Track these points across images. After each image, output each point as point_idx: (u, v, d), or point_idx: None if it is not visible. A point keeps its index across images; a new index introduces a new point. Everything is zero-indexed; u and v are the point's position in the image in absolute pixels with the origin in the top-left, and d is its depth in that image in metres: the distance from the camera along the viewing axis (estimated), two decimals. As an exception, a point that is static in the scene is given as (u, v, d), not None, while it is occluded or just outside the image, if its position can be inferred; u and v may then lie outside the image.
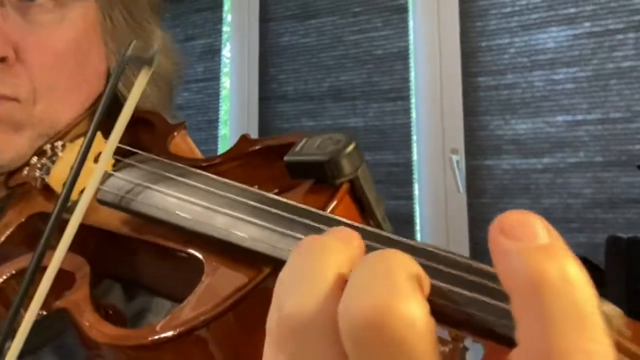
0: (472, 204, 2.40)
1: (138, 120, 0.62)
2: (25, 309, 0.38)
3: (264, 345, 0.27)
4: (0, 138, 0.59)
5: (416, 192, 2.53)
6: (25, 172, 0.59)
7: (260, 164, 0.49)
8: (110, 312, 0.43)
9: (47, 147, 0.59)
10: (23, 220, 0.54)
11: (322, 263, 0.25)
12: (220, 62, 3.14)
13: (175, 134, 0.58)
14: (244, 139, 0.51)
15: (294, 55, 2.89)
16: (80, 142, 0.57)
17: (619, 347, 0.24)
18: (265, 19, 2.99)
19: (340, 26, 2.76)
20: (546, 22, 2.32)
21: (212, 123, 3.11)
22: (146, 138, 0.58)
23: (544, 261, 0.21)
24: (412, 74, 2.59)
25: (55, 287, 0.42)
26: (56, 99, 0.62)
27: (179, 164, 0.47)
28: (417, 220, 2.46)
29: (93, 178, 0.41)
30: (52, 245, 0.40)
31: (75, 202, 0.40)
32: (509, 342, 0.22)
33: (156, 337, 0.34)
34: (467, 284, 0.25)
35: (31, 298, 0.38)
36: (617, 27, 2.21)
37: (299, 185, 0.40)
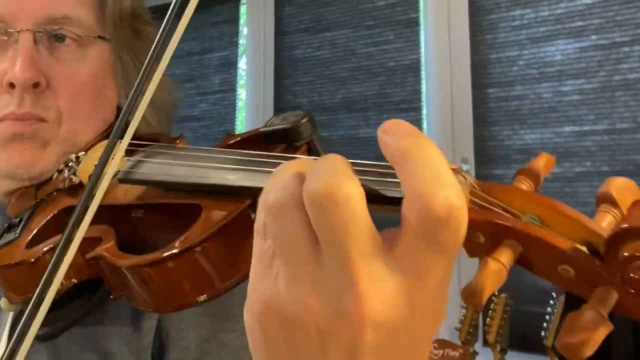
0: (482, 212, 2.42)
1: (148, 139, 0.72)
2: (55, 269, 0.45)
3: (249, 252, 0.36)
4: (31, 153, 0.68)
5: (427, 200, 2.55)
6: (55, 177, 0.68)
7: (245, 146, 0.57)
8: None
9: (72, 156, 0.67)
10: (55, 212, 0.62)
11: (287, 169, 0.34)
12: (237, 74, 3.18)
13: (177, 142, 0.66)
14: (229, 135, 0.60)
15: (308, 68, 2.92)
16: (100, 143, 0.69)
17: (472, 194, 0.34)
18: (280, 32, 3.02)
19: (353, 39, 2.80)
20: (554, 35, 2.33)
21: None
22: None
23: (407, 141, 0.32)
24: (424, 86, 2.61)
25: (86, 250, 0.52)
26: (78, 122, 0.71)
27: (179, 148, 0.59)
28: (429, 228, 2.49)
29: (110, 167, 0.50)
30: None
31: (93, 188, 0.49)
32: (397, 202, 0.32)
33: (171, 251, 0.43)
34: (372, 174, 0.36)
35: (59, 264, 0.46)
36: (622, 40, 2.21)
37: (273, 150, 0.51)
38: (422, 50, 2.63)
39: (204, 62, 3.26)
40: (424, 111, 2.61)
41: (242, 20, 3.20)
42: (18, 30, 0.68)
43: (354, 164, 0.35)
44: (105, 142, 0.63)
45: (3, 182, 0.72)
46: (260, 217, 0.35)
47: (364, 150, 2.71)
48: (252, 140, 0.56)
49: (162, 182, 0.52)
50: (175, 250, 0.43)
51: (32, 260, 0.56)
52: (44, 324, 0.57)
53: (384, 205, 0.34)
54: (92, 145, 0.70)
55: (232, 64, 3.19)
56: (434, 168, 0.30)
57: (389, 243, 0.32)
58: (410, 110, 2.63)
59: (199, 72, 3.25)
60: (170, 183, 0.51)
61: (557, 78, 2.32)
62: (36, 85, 0.67)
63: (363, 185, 0.32)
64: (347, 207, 0.30)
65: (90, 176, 0.54)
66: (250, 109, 3.10)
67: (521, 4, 2.40)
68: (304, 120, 0.51)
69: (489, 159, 2.42)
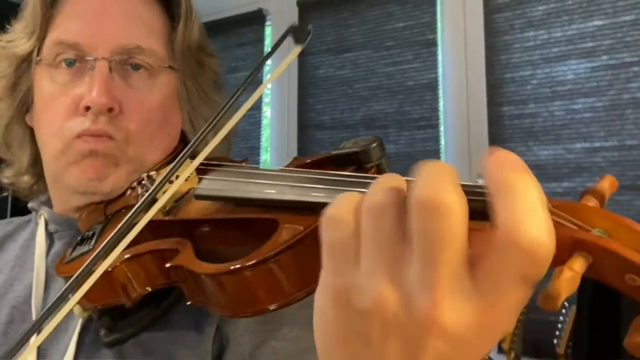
0: (497, 226, 2.43)
1: (210, 164, 0.74)
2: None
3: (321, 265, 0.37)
4: (104, 169, 0.71)
5: (444, 214, 2.57)
6: (128, 193, 0.71)
7: (314, 168, 0.58)
8: None
9: (144, 175, 0.71)
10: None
11: (388, 180, 0.35)
12: (262, 92, 3.22)
13: (243, 164, 0.68)
14: (296, 158, 0.62)
15: (331, 87, 2.95)
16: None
17: (552, 212, 0.34)
18: (303, 52, 3.00)
19: (374, 59, 2.83)
20: (566, 55, 2.35)
21: (254, 149, 3.18)
22: None
23: (513, 174, 0.31)
24: (441, 104, 2.64)
25: (164, 260, 0.54)
26: (145, 144, 0.73)
27: (251, 167, 0.61)
28: (446, 240, 2.51)
29: (171, 189, 0.53)
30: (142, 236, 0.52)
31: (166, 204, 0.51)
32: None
33: (252, 260, 0.44)
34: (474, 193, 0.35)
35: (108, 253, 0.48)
36: (632, 60, 2.23)
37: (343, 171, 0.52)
38: (440, 69, 2.66)
39: (231, 82, 3.17)
40: (442, 128, 2.63)
41: (267, 41, 3.24)
42: (95, 58, 0.70)
43: None
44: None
45: (74, 198, 0.74)
46: (350, 217, 0.35)
47: None
48: (322, 162, 0.57)
49: (240, 198, 0.54)
50: (254, 261, 0.44)
51: (109, 269, 0.56)
52: (111, 330, 0.60)
53: (478, 221, 0.34)
54: (162, 167, 0.73)
55: (258, 83, 3.13)
56: (531, 204, 0.30)
57: (473, 260, 0.32)
58: (428, 127, 2.64)
59: (226, 91, 3.24)
60: (247, 199, 0.53)
61: (569, 96, 2.33)
62: (110, 110, 0.69)
63: (468, 198, 0.32)
64: (450, 219, 0.31)
65: (148, 193, 0.57)
66: (275, 126, 3.13)
67: (535, 26, 2.43)
68: (374, 145, 0.52)
69: None
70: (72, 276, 0.60)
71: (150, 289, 0.57)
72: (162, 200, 0.51)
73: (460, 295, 0.31)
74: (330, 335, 0.36)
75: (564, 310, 2.00)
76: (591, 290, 1.91)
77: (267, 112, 3.21)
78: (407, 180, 0.37)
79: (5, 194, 0.87)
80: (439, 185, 0.32)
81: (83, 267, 0.47)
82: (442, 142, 2.62)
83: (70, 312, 0.64)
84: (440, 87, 2.66)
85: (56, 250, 0.77)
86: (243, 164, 0.68)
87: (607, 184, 0.39)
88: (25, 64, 0.76)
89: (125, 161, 0.72)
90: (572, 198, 2.22)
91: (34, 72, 0.76)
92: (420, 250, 0.32)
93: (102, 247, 0.48)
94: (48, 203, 0.82)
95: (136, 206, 0.50)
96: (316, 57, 3.04)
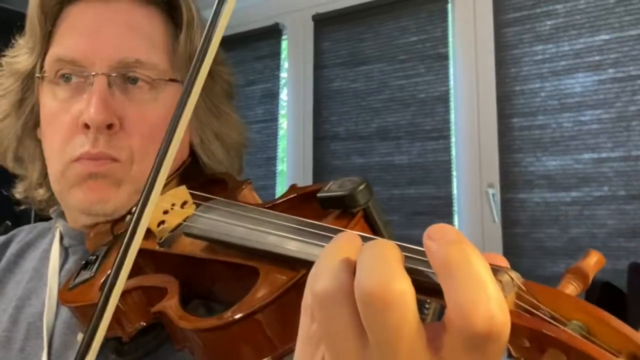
0: (507, 234, 2.42)
1: (214, 179, 0.73)
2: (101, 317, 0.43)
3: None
4: (105, 191, 0.68)
5: (456, 222, 2.57)
6: (127, 219, 0.67)
7: (303, 203, 0.58)
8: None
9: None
10: None
11: (336, 254, 0.33)
12: (278, 104, 3.24)
13: (243, 187, 0.67)
14: (293, 187, 0.60)
15: (345, 99, 2.99)
16: (170, 192, 0.63)
17: (518, 297, 0.32)
18: (319, 66, 3.10)
19: (387, 72, 2.87)
20: (574, 68, 2.38)
21: (271, 160, 3.21)
22: (221, 193, 0.64)
23: (451, 250, 0.30)
24: (452, 116, 2.67)
25: (152, 298, 0.53)
26: (149, 161, 0.65)
27: (241, 205, 0.58)
28: (458, 248, 2.53)
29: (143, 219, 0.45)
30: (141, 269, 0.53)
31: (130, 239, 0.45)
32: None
33: (228, 319, 0.43)
34: (420, 264, 0.34)
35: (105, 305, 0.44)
36: (638, 73, 2.25)
37: (329, 215, 0.51)
38: (451, 82, 2.69)
39: (248, 94, 3.32)
40: (453, 139, 2.65)
41: (284, 55, 3.27)
42: (93, 74, 0.67)
43: (404, 250, 0.34)
44: (176, 190, 0.64)
45: (81, 217, 0.72)
46: (308, 299, 0.34)
47: (396, 176, 2.75)
48: (310, 199, 0.55)
49: (222, 242, 0.52)
50: (235, 317, 0.43)
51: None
52: (119, 354, 0.59)
53: (432, 297, 0.33)
54: (166, 185, 0.68)
55: (274, 96, 3.25)
56: (476, 281, 0.29)
57: (433, 341, 0.31)
58: (440, 138, 2.67)
59: (244, 103, 3.30)
60: (229, 244, 0.51)
61: (577, 108, 2.36)
62: (110, 126, 0.66)
63: (414, 279, 0.31)
64: (399, 309, 0.29)
65: (160, 225, 0.58)
66: (290, 137, 3.16)
67: (543, 40, 2.46)
68: (360, 188, 0.49)
69: (513, 184, 2.44)
70: (74, 306, 0.60)
71: (144, 324, 0.56)
72: (142, 230, 0.46)
73: None
74: None
75: None
76: (598, 295, 1.95)
77: (283, 123, 3.23)
78: (365, 238, 0.35)
79: (25, 206, 0.84)
80: (382, 272, 0.30)
81: (91, 324, 0.43)
82: (454, 152, 2.64)
83: (76, 341, 0.65)
84: (452, 99, 2.69)
85: (69, 267, 0.76)
86: (243, 187, 0.67)
87: (592, 261, 0.36)
88: (29, 79, 0.74)
89: (127, 181, 0.69)
90: (580, 207, 2.23)
91: (38, 88, 0.74)
92: (376, 343, 0.31)
93: (102, 296, 0.44)
94: (64, 214, 0.80)
95: (122, 248, 0.45)
96: (331, 70, 3.07)
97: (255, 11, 3.24)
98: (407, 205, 2.72)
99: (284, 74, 3.27)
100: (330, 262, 0.33)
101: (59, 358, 0.68)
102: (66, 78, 0.70)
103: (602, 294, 1.86)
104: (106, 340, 0.59)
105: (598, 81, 2.33)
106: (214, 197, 0.61)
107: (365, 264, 0.31)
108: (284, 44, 3.30)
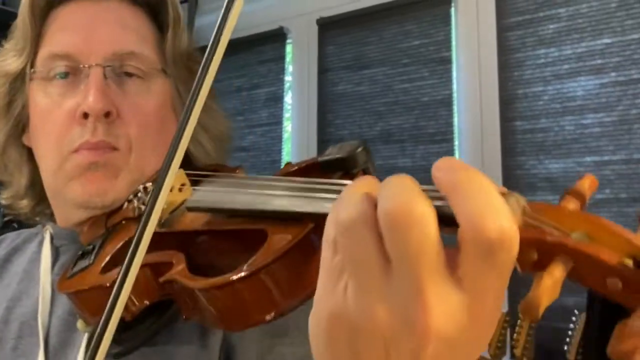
0: (510, 236, 2.43)
1: (209, 170, 0.70)
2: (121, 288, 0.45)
3: (314, 272, 0.37)
4: (105, 182, 0.69)
5: (459, 225, 2.59)
6: (125, 206, 0.68)
7: (302, 174, 0.57)
8: None
9: (140, 187, 0.68)
10: (126, 239, 0.62)
11: (357, 187, 0.35)
12: (283, 108, 3.25)
13: (237, 171, 0.67)
14: (288, 164, 0.60)
15: (349, 102, 3.00)
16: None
17: (524, 214, 0.34)
18: (323, 69, 3.11)
19: (391, 76, 2.87)
20: (576, 72, 2.38)
21: (275, 163, 3.21)
22: None
23: (458, 174, 0.32)
24: (456, 119, 2.67)
25: (159, 273, 0.53)
26: (146, 150, 0.71)
27: (242, 177, 0.59)
28: (461, 251, 2.53)
29: (160, 198, 0.47)
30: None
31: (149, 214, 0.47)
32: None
33: (241, 274, 0.43)
34: (434, 197, 0.34)
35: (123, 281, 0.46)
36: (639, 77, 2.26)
37: (331, 178, 0.50)
38: (454, 86, 2.70)
39: (253, 97, 3.34)
40: (456, 142, 2.66)
41: (288, 58, 3.29)
42: (88, 65, 0.69)
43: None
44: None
45: (76, 213, 0.72)
46: (331, 233, 0.35)
47: None
48: (310, 168, 0.56)
49: (228, 210, 0.53)
50: (244, 273, 0.43)
51: (108, 284, 0.57)
52: (117, 342, 0.57)
53: (446, 227, 0.34)
54: (157, 179, 0.71)
55: (279, 99, 3.26)
56: (483, 195, 0.30)
57: (451, 262, 0.32)
58: (443, 141, 2.68)
59: (248, 107, 3.33)
60: (235, 210, 0.52)
61: (579, 112, 2.36)
62: (108, 114, 0.67)
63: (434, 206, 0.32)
64: (421, 227, 0.30)
65: (146, 204, 0.56)
66: (295, 140, 3.17)
67: (546, 44, 2.47)
68: (359, 150, 0.50)
69: (516, 187, 2.43)
70: (72, 292, 0.60)
71: (148, 303, 0.56)
72: (156, 216, 0.47)
73: (447, 298, 0.31)
74: (326, 357, 0.36)
75: (574, 318, 2.03)
76: (601, 297, 1.95)
77: (287, 126, 3.25)
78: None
79: (9, 217, 0.83)
80: (404, 195, 0.31)
81: (109, 303, 0.45)
82: (457, 155, 2.65)
83: (76, 328, 0.64)
84: (455, 102, 2.70)
85: (62, 262, 0.76)
86: (237, 171, 0.67)
87: (587, 183, 0.37)
88: (18, 81, 0.75)
89: (125, 171, 0.70)
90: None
91: (28, 88, 0.74)
92: (399, 263, 0.32)
93: (120, 277, 0.46)
94: (53, 217, 0.80)
95: (139, 229, 0.47)
96: (335, 73, 3.08)
97: (260, 15, 3.25)
98: (410, 208, 2.69)
99: (288, 78, 3.29)
100: (353, 194, 0.34)
101: (56, 355, 0.69)
102: (62, 75, 0.71)
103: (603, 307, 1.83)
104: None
105: (600, 85, 2.34)
106: (211, 173, 0.62)
107: (387, 191, 0.32)
108: (289, 48, 3.31)
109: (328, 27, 3.13)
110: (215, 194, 0.57)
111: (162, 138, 0.73)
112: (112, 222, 0.68)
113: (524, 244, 0.32)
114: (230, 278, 0.44)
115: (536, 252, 0.33)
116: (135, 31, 0.74)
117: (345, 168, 0.51)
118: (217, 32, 0.46)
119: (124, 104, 0.70)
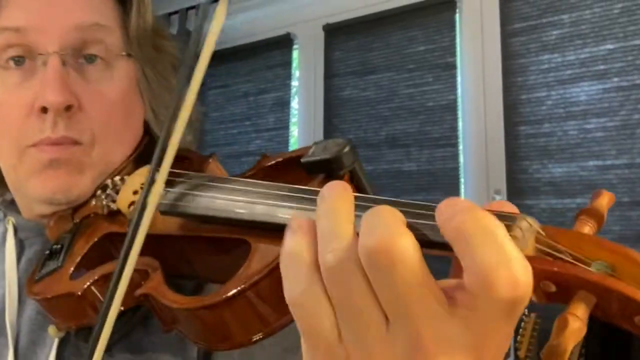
0: (513, 239, 2.43)
1: (179, 157, 0.71)
2: (111, 301, 0.42)
3: None
4: (68, 179, 0.64)
5: (463, 228, 2.57)
6: (92, 203, 0.64)
7: (280, 173, 0.54)
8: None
9: (108, 181, 0.64)
10: (96, 240, 0.59)
11: (340, 223, 0.32)
12: (289, 113, 3.25)
13: (210, 160, 0.64)
14: (264, 156, 0.56)
15: (355, 107, 3.00)
16: (138, 171, 0.61)
17: (538, 241, 0.30)
18: (329, 75, 3.12)
19: (396, 81, 2.88)
20: (579, 77, 2.39)
21: None
22: (188, 168, 0.60)
23: (461, 218, 0.29)
24: (460, 124, 2.68)
25: (132, 282, 0.47)
26: (111, 142, 0.66)
27: (218, 177, 0.54)
28: (465, 254, 2.52)
29: (152, 198, 0.44)
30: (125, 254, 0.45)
31: (139, 219, 0.44)
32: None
33: (225, 295, 0.40)
34: (425, 218, 0.32)
35: (113, 293, 0.43)
36: None
37: (314, 179, 0.48)
38: (459, 91, 2.70)
39: (260, 102, 3.34)
40: (460, 147, 2.66)
41: (295, 64, 3.29)
42: (45, 53, 0.62)
43: (406, 206, 0.33)
44: (143, 169, 0.61)
45: (40, 207, 0.68)
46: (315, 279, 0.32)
47: (405, 183, 2.76)
48: (289, 162, 0.53)
49: (202, 216, 0.49)
50: (229, 294, 0.40)
51: (79, 293, 0.53)
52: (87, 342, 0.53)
53: (437, 250, 0.31)
54: (126, 165, 0.67)
55: (286, 104, 3.26)
56: (491, 244, 0.27)
57: (451, 298, 0.29)
58: (448, 146, 2.69)
59: (255, 112, 3.33)
60: (211, 217, 0.48)
61: (582, 117, 2.37)
62: (68, 107, 0.62)
63: (417, 234, 0.29)
64: (404, 264, 0.28)
65: (130, 206, 0.54)
66: (302, 145, 3.05)
67: (549, 49, 2.48)
68: (345, 150, 0.47)
69: (520, 191, 2.45)
70: (44, 298, 0.57)
71: (123, 309, 0.50)
72: (145, 228, 0.44)
73: (449, 342, 0.29)
74: None
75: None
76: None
77: (294, 131, 3.26)
78: (363, 201, 0.33)
79: None
80: (380, 232, 0.29)
81: (101, 312, 0.43)
82: (461, 160, 2.65)
83: (46, 327, 0.60)
84: (460, 107, 2.70)
85: (28, 257, 0.71)
86: (210, 161, 0.64)
87: (605, 200, 0.35)
88: None
89: (90, 166, 0.65)
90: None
91: None
92: (390, 307, 0.30)
93: (112, 283, 0.44)
94: (14, 205, 0.74)
95: (131, 228, 0.44)
96: (341, 79, 3.09)
97: (267, 21, 3.26)
98: (415, 212, 2.70)
99: (295, 83, 3.29)
100: (335, 232, 0.32)
101: (25, 356, 0.65)
102: (17, 61, 0.64)
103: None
104: (77, 330, 0.59)
105: (603, 90, 2.35)
106: (185, 171, 0.56)
107: (367, 226, 0.30)
108: (295, 54, 3.32)
109: (334, 33, 3.14)
110: (190, 198, 0.51)
111: (127, 125, 0.69)
112: (79, 215, 0.65)
113: (539, 274, 0.29)
114: (212, 300, 0.41)
115: (554, 285, 0.30)
116: (98, 7, 0.68)
117: (331, 170, 0.47)
118: (198, 41, 0.43)
119: (85, 93, 0.64)
